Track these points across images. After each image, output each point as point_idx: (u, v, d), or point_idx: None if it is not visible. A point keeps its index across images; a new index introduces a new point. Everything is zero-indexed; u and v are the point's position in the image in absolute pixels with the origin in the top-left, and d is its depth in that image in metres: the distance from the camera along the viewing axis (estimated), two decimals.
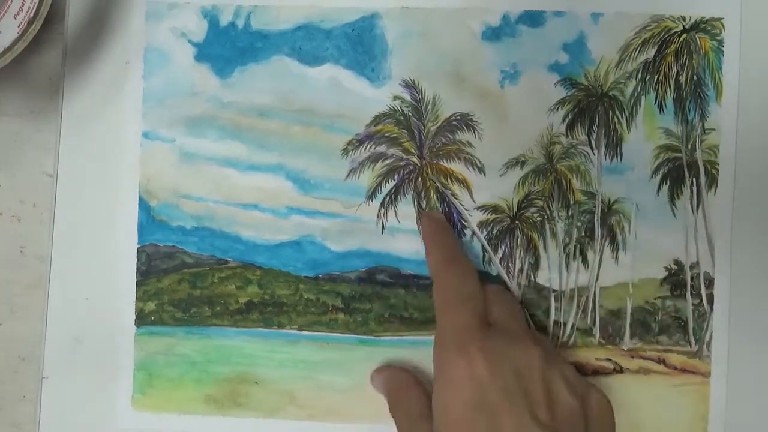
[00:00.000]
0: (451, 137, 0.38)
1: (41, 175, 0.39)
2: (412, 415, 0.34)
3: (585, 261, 0.38)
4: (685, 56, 0.38)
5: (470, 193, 0.38)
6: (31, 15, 0.34)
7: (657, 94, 0.38)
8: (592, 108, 0.38)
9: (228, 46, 0.38)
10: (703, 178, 0.37)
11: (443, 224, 0.37)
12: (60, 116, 0.39)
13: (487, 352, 0.31)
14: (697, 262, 0.37)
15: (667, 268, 0.38)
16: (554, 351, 0.35)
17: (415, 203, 0.38)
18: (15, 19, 0.34)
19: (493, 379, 0.30)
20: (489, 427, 0.30)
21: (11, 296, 0.39)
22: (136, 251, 0.39)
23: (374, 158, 0.38)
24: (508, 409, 0.30)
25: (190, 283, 0.39)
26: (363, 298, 0.38)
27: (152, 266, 0.38)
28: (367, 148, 0.38)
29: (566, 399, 0.31)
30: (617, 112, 0.38)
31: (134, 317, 0.39)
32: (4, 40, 0.34)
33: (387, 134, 0.38)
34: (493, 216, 0.38)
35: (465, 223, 0.38)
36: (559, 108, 0.38)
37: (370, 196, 0.38)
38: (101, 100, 0.39)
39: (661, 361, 0.37)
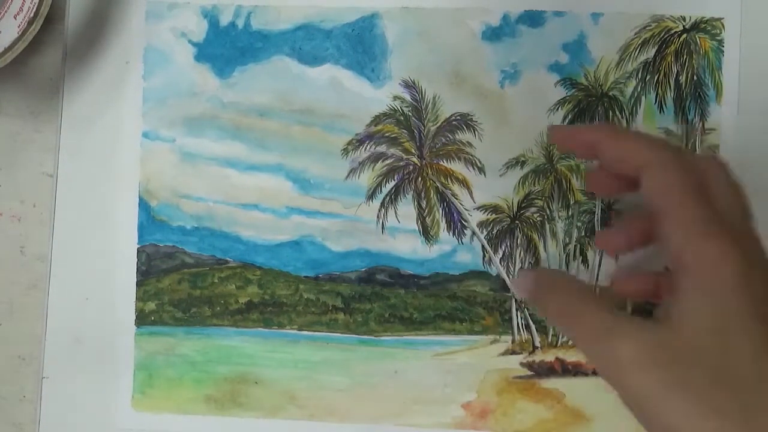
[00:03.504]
0: (451, 137, 0.38)
1: (41, 175, 0.39)
2: (608, 316, 0.26)
3: (585, 261, 0.38)
4: (685, 56, 0.38)
5: (470, 193, 0.38)
6: (31, 15, 0.34)
7: (657, 94, 0.38)
8: (592, 108, 0.38)
9: (228, 46, 0.38)
10: None
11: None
12: (60, 116, 0.39)
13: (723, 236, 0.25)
14: None
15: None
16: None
17: (415, 203, 0.38)
18: (15, 19, 0.34)
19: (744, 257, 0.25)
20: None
21: (11, 296, 0.39)
22: (136, 251, 0.39)
23: (374, 158, 0.38)
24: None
25: (190, 283, 0.39)
26: (363, 298, 0.38)
27: (152, 266, 0.39)
28: (367, 148, 0.38)
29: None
30: (617, 112, 0.38)
31: (134, 317, 0.39)
32: (4, 40, 0.34)
33: (387, 134, 0.38)
34: (493, 216, 0.38)
35: (465, 223, 0.38)
36: (559, 108, 0.38)
37: (370, 196, 0.38)
38: (101, 100, 0.39)
39: None
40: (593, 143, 0.29)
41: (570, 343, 0.38)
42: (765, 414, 0.23)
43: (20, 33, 0.34)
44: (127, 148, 0.39)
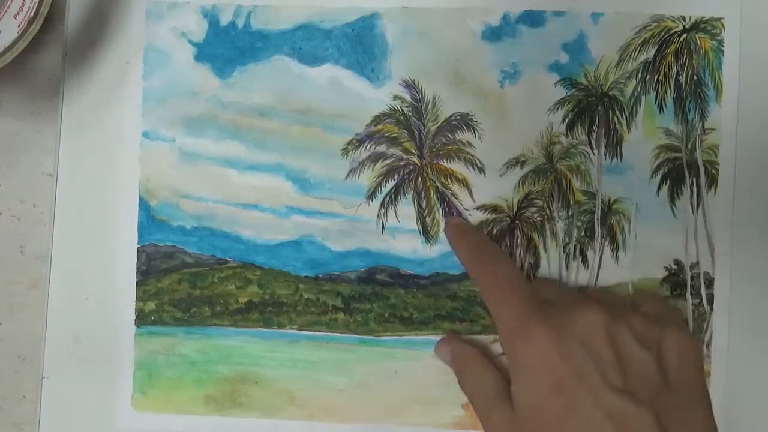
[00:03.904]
0: (451, 137, 0.38)
1: (41, 175, 0.39)
2: (489, 397, 0.33)
3: (585, 261, 0.38)
4: (685, 56, 0.38)
5: (470, 193, 0.38)
6: (31, 15, 0.34)
7: (657, 93, 0.38)
8: (592, 108, 0.38)
9: (228, 46, 0.38)
10: (703, 178, 0.37)
11: (465, 223, 0.38)
12: (60, 116, 0.39)
13: (550, 332, 0.31)
14: (697, 262, 0.37)
15: (667, 268, 0.38)
16: (618, 301, 0.35)
17: (415, 203, 0.38)
18: (15, 19, 0.34)
19: (562, 358, 0.30)
20: (569, 406, 0.30)
21: (11, 296, 0.39)
22: (136, 251, 0.39)
23: (374, 158, 0.38)
24: (582, 384, 0.30)
25: (190, 283, 0.39)
26: (363, 298, 0.38)
27: (152, 266, 0.38)
28: (367, 147, 0.38)
29: (637, 354, 0.31)
30: (617, 112, 0.38)
31: (134, 317, 0.39)
32: (4, 40, 0.34)
33: (387, 134, 0.38)
34: (493, 216, 0.38)
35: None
36: (559, 108, 0.38)
37: (370, 196, 0.38)
38: (101, 100, 0.39)
39: None
40: None
41: None
42: None
43: (20, 33, 0.34)
44: (127, 147, 0.39)
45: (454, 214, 0.38)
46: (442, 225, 0.38)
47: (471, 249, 0.36)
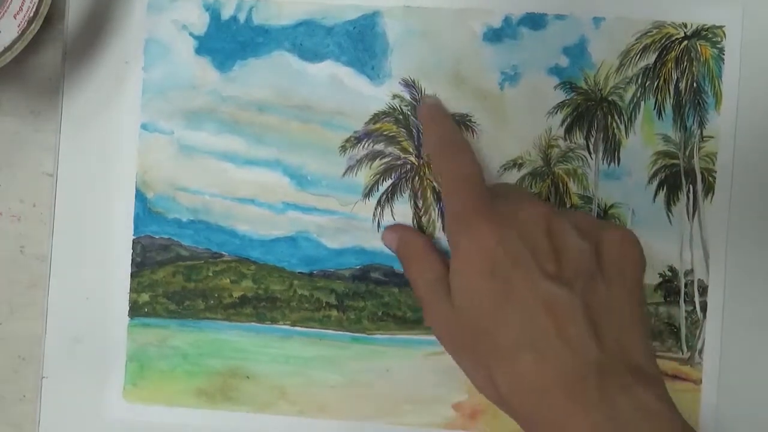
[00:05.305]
0: None
1: (41, 175, 0.39)
2: (429, 281, 0.34)
3: None
4: (685, 63, 0.38)
5: None
6: (31, 14, 0.34)
7: (656, 100, 0.38)
8: (591, 112, 0.38)
9: (229, 40, 0.38)
10: (699, 186, 0.37)
11: (439, 108, 0.38)
12: (60, 116, 0.39)
13: (491, 221, 0.32)
14: (692, 270, 0.37)
15: (661, 275, 0.38)
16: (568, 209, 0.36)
17: (412, 202, 0.38)
18: (15, 18, 0.34)
19: (499, 245, 0.31)
20: (503, 292, 0.31)
21: (11, 296, 0.39)
22: (131, 242, 0.39)
23: (372, 156, 0.38)
24: (517, 270, 0.31)
25: (184, 276, 0.39)
26: (357, 295, 0.38)
27: (147, 258, 0.39)
28: (365, 145, 0.38)
29: (574, 243, 0.31)
30: (616, 117, 0.38)
31: (128, 308, 0.39)
32: (4, 40, 0.34)
33: (385, 132, 0.38)
34: None
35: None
36: (558, 111, 0.38)
37: (367, 194, 0.38)
38: (101, 99, 0.39)
39: None
40: None
41: None
42: (503, 353, 0.31)
43: (20, 32, 0.34)
44: (126, 139, 0.39)
45: None
46: (438, 225, 0.38)
47: (436, 138, 0.36)
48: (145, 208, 0.39)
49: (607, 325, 0.31)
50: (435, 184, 0.38)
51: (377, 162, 0.38)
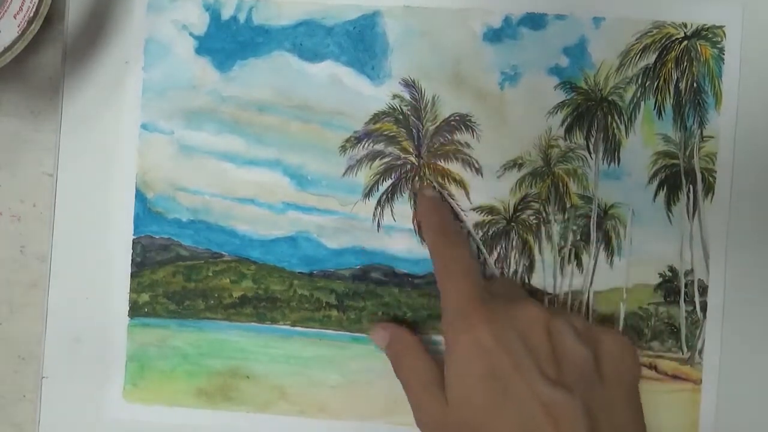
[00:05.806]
0: (449, 137, 0.38)
1: (41, 175, 0.39)
2: (423, 385, 0.34)
3: (580, 265, 0.38)
4: (685, 63, 0.38)
5: (467, 194, 0.38)
6: (31, 14, 0.34)
7: (656, 100, 0.38)
8: (591, 112, 0.38)
9: (229, 40, 0.38)
10: (699, 186, 0.37)
11: (437, 201, 0.38)
12: (60, 116, 0.39)
13: (490, 321, 0.32)
14: (692, 270, 0.37)
15: (661, 275, 0.38)
16: (562, 309, 0.36)
17: (412, 202, 0.38)
18: (15, 18, 0.34)
19: (499, 347, 0.31)
20: (503, 393, 0.31)
21: (11, 296, 0.39)
22: (131, 242, 0.39)
23: (372, 156, 0.38)
24: (518, 372, 0.31)
25: (184, 276, 0.39)
26: (357, 295, 0.38)
27: (147, 258, 0.39)
28: (365, 145, 0.38)
29: (573, 348, 0.32)
30: (616, 117, 0.38)
31: (128, 308, 0.39)
32: (4, 40, 0.34)
33: (385, 133, 0.38)
34: (489, 217, 0.38)
35: (461, 224, 0.38)
36: (558, 111, 0.38)
37: (367, 194, 0.38)
38: (101, 99, 0.39)
39: (652, 367, 0.37)
40: None
41: None
42: None
43: (20, 33, 0.34)
44: (126, 138, 0.39)
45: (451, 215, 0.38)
46: None
47: (434, 229, 0.36)
48: (145, 208, 0.39)
49: (606, 429, 0.31)
50: (435, 184, 0.38)
51: (377, 162, 0.38)
